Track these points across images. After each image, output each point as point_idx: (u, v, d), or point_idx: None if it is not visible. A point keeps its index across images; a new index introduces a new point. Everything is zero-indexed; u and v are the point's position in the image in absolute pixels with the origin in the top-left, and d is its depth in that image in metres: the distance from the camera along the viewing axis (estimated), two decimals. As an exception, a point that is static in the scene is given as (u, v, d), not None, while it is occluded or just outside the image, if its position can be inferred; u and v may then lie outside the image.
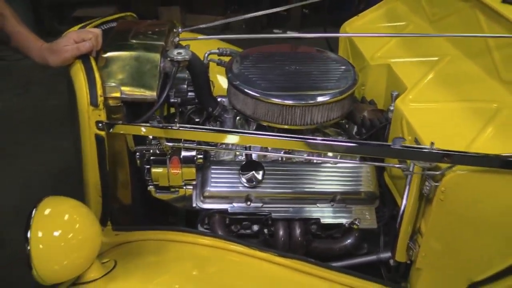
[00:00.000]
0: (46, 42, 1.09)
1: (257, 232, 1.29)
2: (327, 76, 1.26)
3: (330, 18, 3.72)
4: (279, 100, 1.15)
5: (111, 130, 1.05)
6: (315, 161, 1.28)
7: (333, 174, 1.26)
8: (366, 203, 1.28)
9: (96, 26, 1.21)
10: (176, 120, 1.01)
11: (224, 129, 1.10)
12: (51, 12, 4.09)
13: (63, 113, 1.95)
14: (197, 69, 1.24)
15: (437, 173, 0.91)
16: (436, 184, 0.94)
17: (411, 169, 0.97)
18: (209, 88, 1.31)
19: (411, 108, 1.15)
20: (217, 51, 1.50)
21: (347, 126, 1.39)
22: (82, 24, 1.20)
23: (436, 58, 1.32)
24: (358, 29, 1.70)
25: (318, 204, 1.27)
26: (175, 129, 0.99)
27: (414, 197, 1.03)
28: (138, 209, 1.29)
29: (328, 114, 1.19)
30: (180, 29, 1.29)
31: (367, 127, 1.34)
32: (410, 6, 1.62)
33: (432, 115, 1.12)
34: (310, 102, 1.14)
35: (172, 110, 1.46)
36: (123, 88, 1.04)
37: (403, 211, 1.07)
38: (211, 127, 1.07)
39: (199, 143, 1.12)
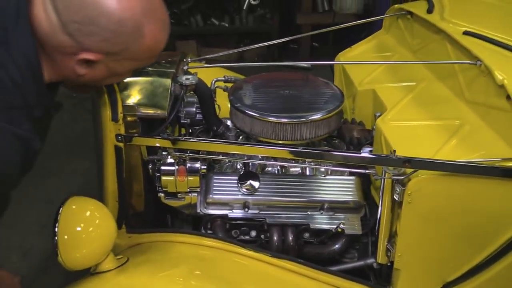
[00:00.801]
0: None
1: (255, 237, 1.45)
2: (316, 99, 1.44)
3: (337, 50, 3.95)
4: (273, 119, 1.33)
5: (128, 142, 1.24)
6: (307, 173, 1.44)
7: (322, 185, 1.41)
8: (352, 211, 1.42)
9: None
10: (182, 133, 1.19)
11: (222, 140, 1.27)
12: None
13: (86, 137, 2.17)
14: (203, 93, 1.43)
15: (402, 177, 1.06)
16: (403, 188, 1.09)
17: (383, 176, 1.13)
18: (214, 110, 1.50)
19: (389, 126, 1.32)
20: (223, 78, 1.71)
21: (338, 144, 1.56)
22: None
23: (414, 83, 1.49)
24: (351, 59, 1.89)
25: (309, 212, 1.42)
26: (182, 140, 1.18)
27: (388, 201, 1.18)
28: (150, 215, 1.47)
29: (315, 131, 1.36)
30: (189, 59, 1.49)
31: (355, 145, 1.51)
32: (397, 39, 1.81)
33: (406, 131, 1.28)
34: (299, 120, 1.32)
35: (183, 131, 1.65)
36: (140, 107, 1.24)
37: (380, 215, 1.22)
38: (211, 139, 1.24)
39: (203, 153, 1.30)
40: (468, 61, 1.18)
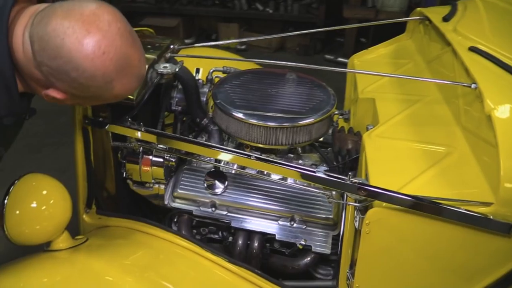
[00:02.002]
0: None
1: (222, 238, 1.39)
2: (303, 102, 1.33)
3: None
4: (245, 118, 1.25)
5: (95, 126, 1.22)
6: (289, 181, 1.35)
7: (298, 196, 1.32)
8: (326, 228, 1.32)
9: None
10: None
11: (179, 136, 1.21)
12: (123, 19, 4.54)
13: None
14: (187, 83, 1.38)
15: (357, 204, 0.95)
16: (362, 216, 0.98)
17: (345, 200, 1.02)
18: (198, 101, 1.44)
19: (373, 141, 1.19)
20: (221, 68, 1.64)
21: (327, 153, 1.45)
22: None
23: (417, 97, 1.34)
24: (365, 62, 1.74)
25: (279, 222, 1.34)
26: (140, 130, 1.13)
27: (350, 227, 1.07)
28: (122, 199, 1.46)
29: (293, 137, 1.27)
30: (176, 46, 1.44)
31: (343, 156, 1.39)
32: (417, 45, 1.64)
33: (388, 151, 1.15)
34: (272, 124, 1.23)
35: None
36: (109, 91, 1.21)
37: (341, 241, 1.11)
38: (168, 133, 1.19)
39: (170, 148, 1.25)
40: (463, 83, 1.02)
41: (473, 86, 0.99)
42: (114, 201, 1.45)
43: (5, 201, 1.09)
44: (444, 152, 1.07)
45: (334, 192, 1.10)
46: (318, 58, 4.41)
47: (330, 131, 1.50)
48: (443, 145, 1.10)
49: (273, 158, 1.33)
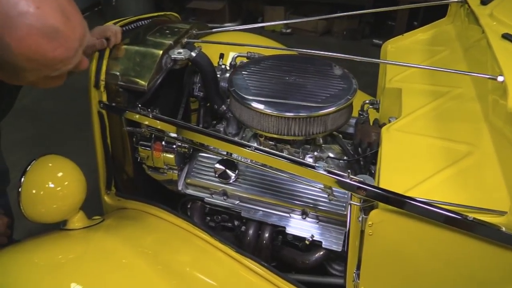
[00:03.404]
0: None
1: (235, 226, 1.38)
2: (321, 91, 1.26)
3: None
4: (256, 107, 1.20)
5: (109, 110, 1.24)
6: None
7: (311, 190, 1.27)
8: (338, 224, 1.26)
9: (127, 24, 1.39)
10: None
11: (187, 124, 1.18)
12: (170, 2, 4.60)
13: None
14: (205, 69, 1.36)
15: (359, 204, 0.89)
16: (365, 217, 0.92)
17: (349, 199, 0.96)
18: (217, 87, 1.42)
19: (391, 135, 1.11)
20: (245, 54, 1.60)
21: (347, 145, 1.38)
22: (116, 20, 1.38)
23: (446, 89, 1.22)
24: (399, 48, 1.62)
25: (291, 215, 1.30)
26: (148, 116, 1.14)
27: (354, 227, 1.01)
28: (141, 183, 1.48)
29: (306, 128, 1.21)
30: (195, 31, 1.41)
31: (363, 150, 1.31)
32: (457, 31, 1.50)
33: (405, 146, 1.07)
34: (284, 113, 1.18)
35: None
36: (122, 76, 1.22)
37: (348, 241, 1.05)
38: (180, 122, 1.17)
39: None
40: (488, 75, 0.91)
41: (499, 78, 0.88)
42: (132, 184, 1.49)
43: (22, 179, 1.15)
44: (464, 152, 0.97)
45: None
46: (366, 43, 4.21)
47: (353, 122, 1.42)
48: (465, 143, 1.00)
49: (286, 150, 1.29)
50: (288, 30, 4.39)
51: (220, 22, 4.40)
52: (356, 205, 0.91)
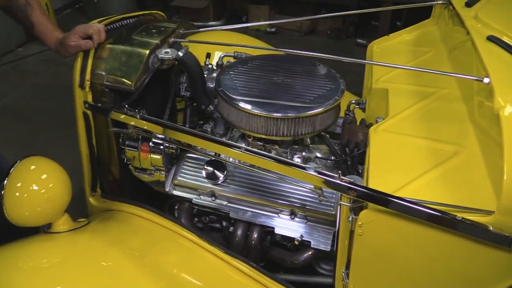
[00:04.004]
0: (64, 33, 1.26)
1: (223, 227, 1.37)
2: (308, 92, 1.27)
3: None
4: (245, 107, 1.20)
5: (94, 111, 1.22)
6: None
7: (300, 190, 1.27)
8: (327, 224, 1.27)
9: (111, 23, 1.36)
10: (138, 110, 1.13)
11: (174, 125, 1.16)
12: (154, 0, 4.55)
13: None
14: (191, 69, 1.35)
15: (348, 204, 0.89)
16: (355, 217, 0.93)
17: (339, 199, 0.97)
18: (204, 87, 1.40)
19: (379, 136, 1.12)
20: (232, 54, 1.59)
21: (335, 145, 1.39)
22: (101, 19, 1.36)
23: (432, 90, 1.24)
24: (385, 49, 1.64)
25: (280, 215, 1.30)
26: (135, 117, 1.12)
27: (344, 227, 1.01)
28: (127, 184, 1.46)
29: (295, 128, 1.21)
30: (182, 31, 1.40)
31: (350, 149, 1.32)
32: (441, 32, 1.52)
33: (392, 147, 1.08)
34: (273, 114, 1.18)
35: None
36: (108, 76, 1.20)
37: (337, 240, 1.06)
38: (166, 122, 1.16)
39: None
40: (474, 77, 0.92)
41: (485, 80, 0.90)
42: (118, 185, 1.46)
43: (5, 182, 1.12)
44: (451, 152, 0.98)
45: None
46: (350, 42, 4.25)
47: (341, 122, 1.43)
48: (452, 143, 1.01)
49: (274, 150, 1.28)
50: (273, 29, 4.39)
51: (204, 21, 4.37)
52: (346, 205, 0.91)
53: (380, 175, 0.98)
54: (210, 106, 1.41)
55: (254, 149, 1.01)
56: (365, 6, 4.31)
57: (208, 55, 1.57)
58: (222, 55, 1.58)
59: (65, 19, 4.37)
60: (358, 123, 1.43)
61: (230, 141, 1.13)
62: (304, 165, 0.94)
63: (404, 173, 0.97)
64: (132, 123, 1.16)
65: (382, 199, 0.84)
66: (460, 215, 0.79)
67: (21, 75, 3.66)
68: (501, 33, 1.00)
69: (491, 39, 0.98)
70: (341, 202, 0.92)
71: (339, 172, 0.89)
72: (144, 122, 1.13)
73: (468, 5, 1.19)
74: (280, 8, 4.51)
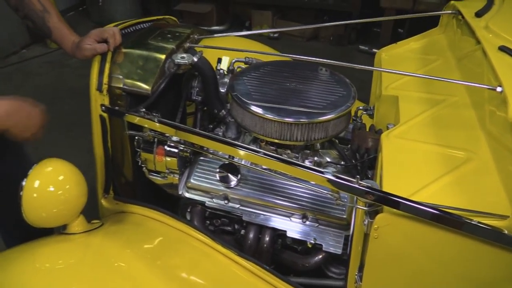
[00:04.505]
0: (80, 37, 1.29)
1: (233, 230, 1.39)
2: (321, 98, 1.29)
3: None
4: (260, 112, 1.23)
5: (111, 114, 1.24)
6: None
7: (309, 193, 1.30)
8: (338, 228, 1.29)
9: (126, 27, 1.39)
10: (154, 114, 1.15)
11: (192, 129, 1.20)
12: (158, 4, 4.58)
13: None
14: (205, 73, 1.37)
15: (365, 208, 0.92)
16: (371, 220, 0.95)
17: (355, 203, 0.99)
18: (217, 92, 1.43)
19: (391, 142, 1.15)
20: (243, 59, 1.62)
21: (345, 150, 1.41)
22: (116, 23, 1.39)
23: (442, 98, 1.27)
24: (393, 56, 1.67)
25: (291, 218, 1.32)
26: (153, 121, 1.14)
27: (359, 230, 1.04)
28: (140, 186, 1.48)
29: (308, 133, 1.24)
30: (196, 36, 1.43)
31: (361, 155, 1.35)
32: (449, 41, 1.55)
33: (405, 153, 1.10)
34: (287, 119, 1.20)
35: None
36: (126, 80, 1.23)
37: (351, 243, 1.08)
38: (181, 125, 1.18)
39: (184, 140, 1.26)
40: (487, 85, 0.95)
41: (498, 89, 0.93)
42: (131, 187, 1.48)
43: (23, 183, 1.14)
44: (463, 158, 1.01)
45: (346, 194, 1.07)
46: (352, 48, 4.29)
47: (350, 128, 1.46)
48: (463, 150, 1.04)
49: (286, 155, 1.31)
50: (276, 35, 4.43)
51: (207, 25, 4.41)
52: (363, 209, 0.94)
53: (394, 180, 1.00)
54: (223, 111, 1.44)
55: (275, 155, 1.03)
56: (367, 13, 4.38)
57: (219, 60, 1.60)
58: (234, 60, 1.61)
59: (69, 21, 4.40)
60: (367, 129, 1.46)
61: (253, 147, 1.15)
62: (322, 170, 0.96)
63: (417, 179, 1.00)
64: (149, 126, 1.18)
65: (399, 203, 0.86)
66: (475, 219, 0.82)
67: (25, 76, 3.68)
68: (512, 43, 1.04)
69: (503, 49, 1.01)
70: (357, 206, 0.95)
71: (358, 176, 0.91)
72: (162, 125, 1.15)
73: (478, 15, 1.22)
74: (282, 14, 4.55)
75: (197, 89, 1.49)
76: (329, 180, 0.95)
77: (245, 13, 4.61)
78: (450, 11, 1.46)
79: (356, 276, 1.10)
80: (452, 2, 1.48)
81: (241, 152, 1.05)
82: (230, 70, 1.58)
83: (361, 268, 1.10)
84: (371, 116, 1.67)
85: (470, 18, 1.24)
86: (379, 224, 0.94)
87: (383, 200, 0.88)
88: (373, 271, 1.03)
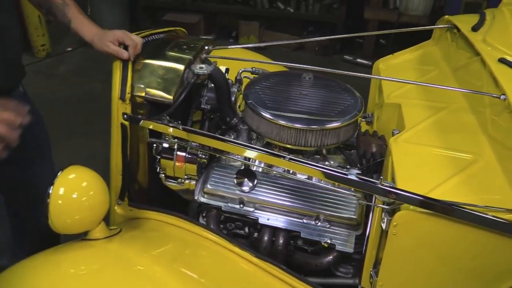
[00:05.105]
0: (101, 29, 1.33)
1: (248, 233, 1.45)
2: (331, 105, 1.38)
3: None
4: (277, 120, 1.30)
5: (133, 122, 1.28)
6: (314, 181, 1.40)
7: (323, 195, 1.37)
8: (349, 228, 1.37)
9: (145, 36, 1.44)
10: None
11: (215, 135, 1.26)
12: (145, 14, 4.61)
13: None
14: (219, 83, 1.43)
15: (386, 207, 1.00)
16: (390, 218, 1.03)
17: (373, 202, 1.07)
18: (229, 100, 1.49)
19: (399, 147, 1.23)
20: (250, 69, 1.69)
21: (352, 155, 1.50)
22: (136, 33, 1.43)
23: (443, 105, 1.37)
24: (390, 67, 1.78)
25: (304, 220, 1.39)
26: (178, 128, 1.19)
27: (376, 228, 1.11)
28: (154, 193, 1.52)
29: (322, 139, 1.31)
30: (211, 47, 1.49)
31: (367, 159, 1.43)
32: (443, 52, 1.67)
33: (414, 156, 1.19)
34: (303, 126, 1.28)
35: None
36: (148, 89, 1.27)
37: (367, 240, 1.16)
38: (205, 132, 1.24)
39: (202, 145, 1.31)
40: (492, 94, 1.06)
41: (502, 97, 1.03)
42: (146, 194, 1.52)
43: (50, 191, 1.16)
44: (470, 160, 1.11)
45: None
46: (337, 58, 4.43)
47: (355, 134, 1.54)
48: (469, 152, 1.13)
49: (302, 159, 1.38)
50: (262, 45, 4.52)
51: (195, 36, 4.46)
52: (383, 207, 1.01)
53: (406, 181, 1.08)
54: (235, 119, 1.50)
55: (300, 159, 1.10)
56: (351, 25, 4.53)
57: (227, 70, 1.66)
58: (241, 71, 1.68)
59: (57, 27, 4.37)
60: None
61: (277, 152, 1.21)
62: (345, 172, 1.04)
63: (429, 180, 1.09)
64: (172, 132, 1.23)
65: (419, 201, 0.94)
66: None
67: (12, 86, 3.63)
68: (509, 55, 1.14)
69: (502, 61, 1.11)
70: (378, 205, 1.02)
71: (381, 177, 0.99)
72: (186, 132, 1.20)
73: (474, 29, 1.33)
74: (269, 25, 4.66)
75: (206, 98, 1.54)
76: (353, 181, 1.02)
77: (232, 24, 4.70)
78: (446, 25, 1.57)
79: (371, 272, 1.18)
80: (446, 17, 1.60)
81: (267, 157, 1.12)
82: (237, 80, 1.65)
83: (375, 265, 1.18)
84: (369, 123, 1.77)
85: (467, 32, 1.35)
86: (398, 221, 1.02)
87: (405, 198, 0.96)
88: (389, 266, 1.10)
